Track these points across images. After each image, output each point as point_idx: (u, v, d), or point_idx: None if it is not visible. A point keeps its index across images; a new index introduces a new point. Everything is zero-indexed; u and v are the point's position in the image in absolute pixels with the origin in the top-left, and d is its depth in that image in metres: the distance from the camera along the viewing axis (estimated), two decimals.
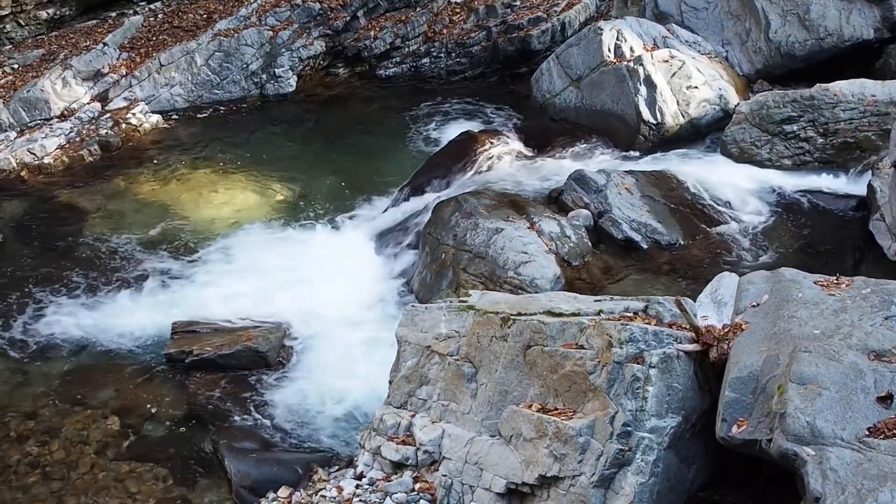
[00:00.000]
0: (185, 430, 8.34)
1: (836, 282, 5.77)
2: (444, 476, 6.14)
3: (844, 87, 10.82)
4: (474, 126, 13.82)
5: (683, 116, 11.93)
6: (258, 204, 12.62)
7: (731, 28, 12.98)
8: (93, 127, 14.40)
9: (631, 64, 12.19)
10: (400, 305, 9.59)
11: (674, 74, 12.08)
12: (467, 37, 16.89)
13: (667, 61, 12.19)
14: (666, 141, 11.92)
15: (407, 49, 16.97)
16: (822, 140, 10.78)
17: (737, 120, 11.40)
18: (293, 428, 8.25)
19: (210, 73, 15.67)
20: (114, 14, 17.12)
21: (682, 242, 9.78)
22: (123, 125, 14.53)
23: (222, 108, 15.58)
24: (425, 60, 16.90)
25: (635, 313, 5.94)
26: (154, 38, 16.19)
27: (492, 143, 12.43)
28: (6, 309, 10.19)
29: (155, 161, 13.84)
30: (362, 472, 6.84)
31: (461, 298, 7.16)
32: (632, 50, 12.51)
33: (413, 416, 6.68)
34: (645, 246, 9.70)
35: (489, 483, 5.83)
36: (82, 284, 10.62)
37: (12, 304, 10.26)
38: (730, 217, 10.25)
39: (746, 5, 12.74)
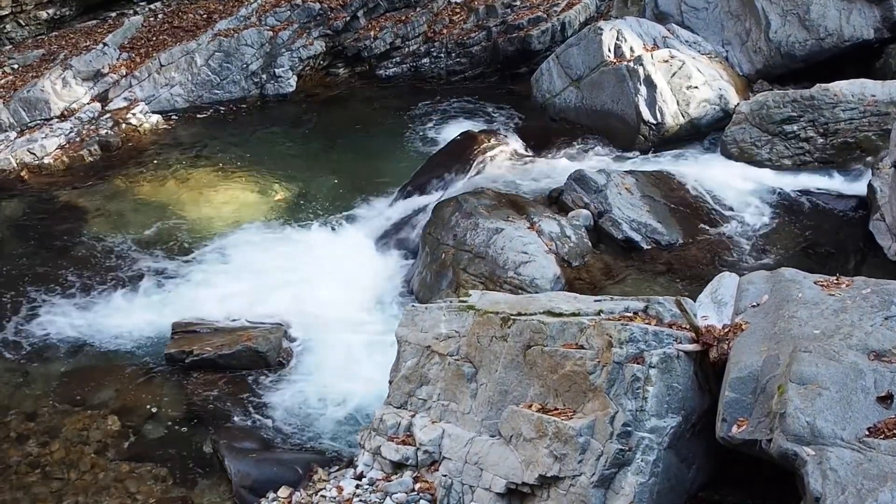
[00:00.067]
0: (185, 430, 8.34)
1: (836, 282, 5.77)
2: (444, 476, 6.14)
3: (844, 87, 10.83)
4: (474, 126, 13.82)
5: (683, 116, 11.93)
6: (258, 204, 12.62)
7: (731, 28, 12.98)
8: (93, 127, 14.40)
9: (631, 64, 12.19)
10: (400, 305, 9.60)
11: (674, 74, 12.08)
12: (467, 37, 16.89)
13: (667, 61, 12.19)
14: (666, 141, 11.93)
15: (407, 49, 16.97)
16: (822, 140, 10.78)
17: (737, 120, 11.41)
18: (293, 428, 8.25)
19: (210, 73, 15.67)
20: (114, 14, 17.12)
21: (682, 242, 9.78)
22: (123, 125, 14.54)
23: (222, 108, 15.58)
24: (425, 60, 16.90)
25: (635, 313, 5.94)
26: (154, 38, 16.19)
27: (492, 143, 12.44)
28: (6, 309, 10.18)
29: (155, 161, 13.84)
30: (362, 472, 6.84)
31: (461, 298, 7.16)
32: (632, 50, 12.51)
33: (413, 416, 6.68)
34: (645, 246, 9.70)
35: (489, 483, 5.83)
36: (82, 284, 10.62)
37: (12, 305, 10.26)
38: (730, 217, 10.25)
39: (746, 5, 12.75)
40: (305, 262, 10.81)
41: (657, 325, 5.75)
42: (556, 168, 11.62)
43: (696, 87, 12.04)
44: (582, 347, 5.69)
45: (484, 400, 6.20)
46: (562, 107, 13.21)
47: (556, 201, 10.57)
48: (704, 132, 12.03)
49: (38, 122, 14.38)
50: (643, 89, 11.97)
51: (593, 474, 5.28)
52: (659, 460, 5.23)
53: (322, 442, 8.04)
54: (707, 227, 10.05)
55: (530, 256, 9.24)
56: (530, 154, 12.44)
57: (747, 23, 12.76)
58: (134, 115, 14.76)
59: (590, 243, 9.75)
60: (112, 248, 11.43)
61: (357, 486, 6.70)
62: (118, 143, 14.19)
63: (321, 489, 6.96)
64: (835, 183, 10.52)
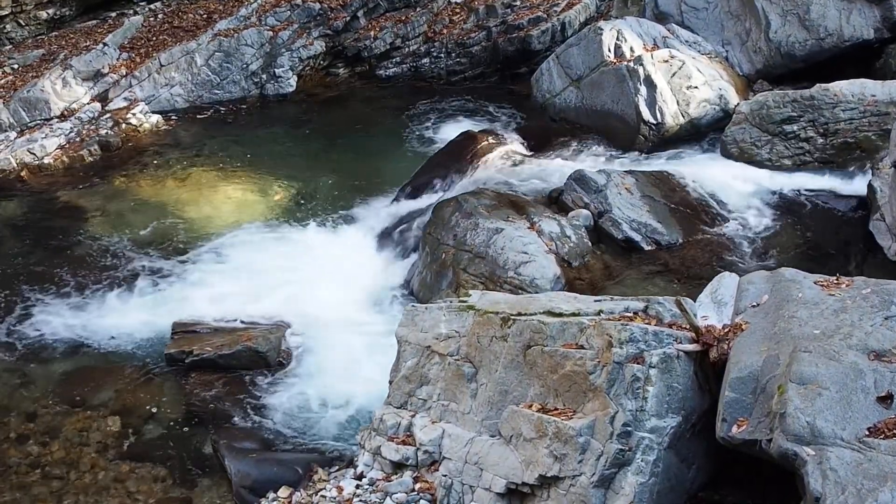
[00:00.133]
0: (185, 430, 8.34)
1: (836, 282, 5.77)
2: (445, 476, 6.14)
3: (844, 87, 10.82)
4: (474, 126, 13.82)
5: (683, 116, 11.93)
6: (258, 204, 12.62)
7: (731, 28, 12.98)
8: (93, 127, 14.41)
9: (631, 64, 12.19)
10: (400, 305, 9.60)
11: (674, 74, 12.08)
12: (467, 37, 16.90)
13: (667, 61, 12.19)
14: (666, 141, 11.93)
15: (407, 49, 16.98)
16: (822, 140, 10.78)
17: (737, 120, 11.41)
18: (293, 428, 8.25)
19: (210, 74, 15.68)
20: (114, 14, 17.12)
21: (682, 242, 9.78)
22: (123, 125, 14.54)
23: (222, 108, 15.58)
24: (425, 60, 16.90)
25: (635, 313, 5.94)
26: (154, 38, 16.19)
27: (492, 143, 12.44)
28: (5, 309, 10.18)
29: (155, 161, 13.85)
30: (362, 472, 6.84)
31: (461, 298, 7.16)
32: (632, 50, 12.51)
33: (413, 416, 6.68)
34: (645, 246, 9.70)
35: (489, 483, 5.83)
36: (82, 285, 10.62)
37: (12, 305, 10.26)
38: (730, 217, 10.25)
39: (746, 5, 12.75)
40: (305, 261, 10.82)
41: (657, 325, 5.75)
42: (556, 168, 11.62)
43: (696, 87, 12.03)
44: (582, 347, 5.69)
45: (484, 400, 6.20)
46: (562, 107, 13.21)
47: (556, 201, 10.57)
48: (704, 132, 12.02)
49: (38, 122, 14.38)
50: (643, 89, 11.96)
51: (593, 474, 5.28)
52: (659, 460, 5.23)
53: (322, 442, 8.03)
54: (707, 227, 10.05)
55: (530, 256, 9.24)
56: (530, 154, 12.44)
57: (747, 23, 12.76)
58: (134, 115, 14.76)
59: (590, 243, 9.75)
60: (112, 249, 11.43)
61: (357, 486, 6.70)
62: (118, 143, 14.20)
63: (321, 489, 6.95)
64: (835, 183, 10.51)
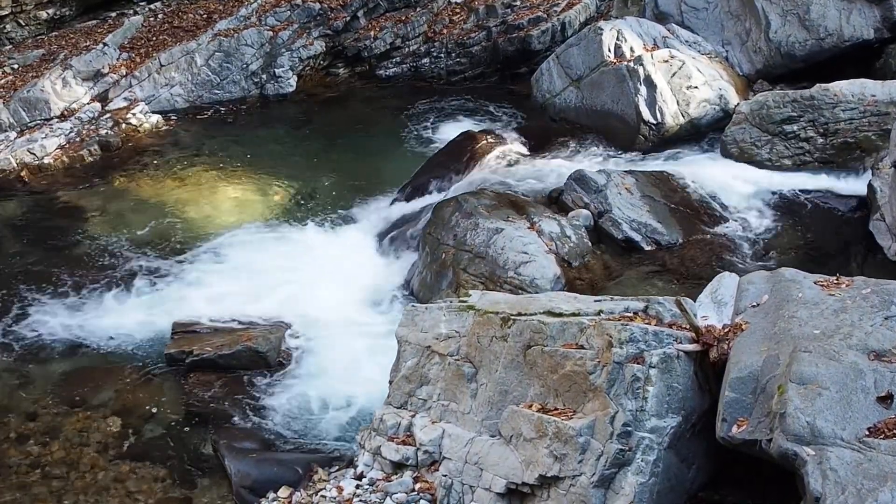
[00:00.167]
0: (186, 430, 8.34)
1: (836, 282, 5.77)
2: (445, 476, 6.14)
3: (844, 87, 10.82)
4: (474, 126, 13.83)
5: (683, 116, 11.93)
6: (258, 204, 12.62)
7: (731, 28, 12.98)
8: (93, 127, 14.40)
9: (631, 64, 12.19)
10: (400, 305, 9.59)
11: (674, 74, 12.08)
12: (467, 37, 16.89)
13: (667, 61, 12.19)
14: (666, 141, 11.92)
15: (407, 49, 16.97)
16: (822, 140, 10.78)
17: (737, 120, 11.40)
18: (293, 428, 8.25)
19: (210, 74, 15.67)
20: (114, 14, 17.12)
21: (682, 242, 9.78)
22: (123, 125, 14.54)
23: (222, 108, 15.58)
24: (425, 60, 16.90)
25: (635, 313, 5.94)
26: (154, 38, 16.19)
27: (492, 143, 12.44)
28: (6, 309, 10.18)
29: (155, 161, 13.85)
30: (362, 472, 6.84)
31: (461, 298, 7.16)
32: (632, 50, 12.51)
33: (413, 416, 6.68)
34: (645, 246, 9.70)
35: (489, 483, 5.83)
36: (82, 285, 10.62)
37: (12, 305, 10.26)
38: (730, 217, 10.25)
39: (746, 5, 12.75)
40: (305, 261, 10.82)
41: (657, 325, 5.75)
42: (556, 168, 11.61)
43: (696, 87, 12.03)
44: (582, 347, 5.69)
45: (484, 400, 6.20)
46: (562, 107, 13.21)
47: (556, 201, 10.57)
48: (704, 132, 12.02)
49: (38, 122, 14.38)
50: (643, 89, 11.96)
51: (593, 474, 5.28)
52: (659, 460, 5.23)
53: (322, 442, 8.03)
54: (707, 228, 10.05)
55: (530, 256, 9.24)
56: (530, 154, 12.43)
57: (747, 23, 12.76)
58: (134, 115, 14.76)
59: (590, 243, 9.75)
60: (111, 249, 11.43)
61: (357, 487, 6.70)
62: (118, 143, 14.20)
63: (321, 489, 6.95)
64: (835, 183, 10.52)
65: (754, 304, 5.80)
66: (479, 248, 9.54)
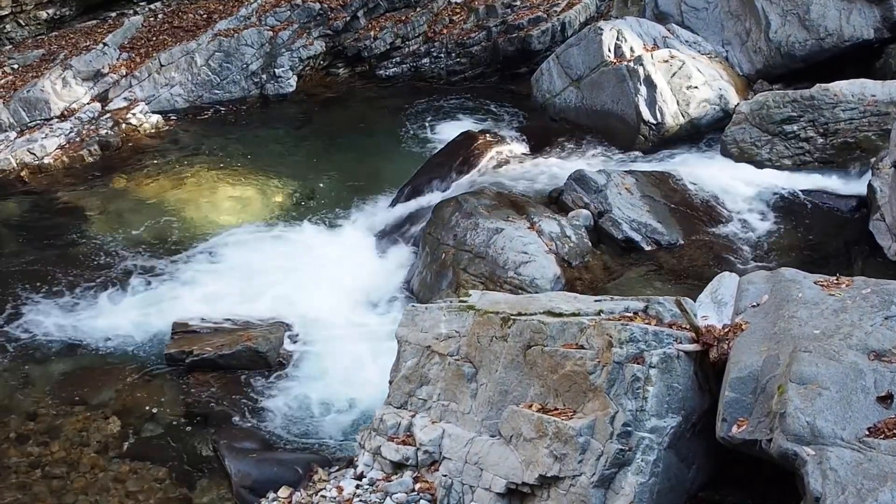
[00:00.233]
0: (186, 430, 8.34)
1: (836, 282, 5.77)
2: (445, 476, 6.14)
3: (844, 87, 10.83)
4: (474, 126, 13.82)
5: (683, 116, 11.93)
6: (258, 204, 12.62)
7: (731, 28, 12.98)
8: (93, 127, 14.40)
9: (631, 64, 12.19)
10: (400, 305, 9.59)
11: (674, 74, 12.08)
12: (467, 37, 16.89)
13: (667, 61, 12.20)
14: (666, 141, 11.93)
15: (407, 49, 16.97)
16: (822, 140, 10.79)
17: (737, 120, 11.41)
18: (293, 428, 8.25)
19: (210, 73, 15.67)
20: (114, 14, 17.12)
21: (682, 242, 9.78)
22: (123, 125, 14.54)
23: (222, 108, 15.57)
24: (425, 60, 16.90)
25: (635, 313, 5.94)
26: (154, 38, 16.19)
27: (492, 143, 12.44)
28: (6, 309, 10.18)
29: (155, 161, 13.84)
30: (362, 472, 6.84)
31: (461, 298, 7.16)
32: (632, 50, 12.52)
33: (413, 416, 6.68)
34: (645, 246, 9.70)
35: (489, 483, 5.83)
36: (82, 285, 10.62)
37: (12, 305, 10.26)
38: (730, 217, 10.25)
39: (746, 5, 12.75)
40: (305, 262, 10.82)
41: (657, 325, 5.75)
42: (556, 168, 11.63)
43: (696, 87, 12.04)
44: (582, 347, 5.69)
45: (484, 400, 6.20)
46: (562, 107, 13.21)
47: (556, 201, 10.57)
48: (704, 132, 12.03)
49: (38, 122, 14.38)
50: (643, 89, 11.97)
51: (593, 474, 5.28)
52: (659, 460, 5.23)
53: (322, 442, 8.04)
54: (707, 228, 10.05)
55: (530, 256, 9.24)
56: (530, 154, 12.45)
57: (747, 23, 12.77)
58: (134, 115, 14.76)
59: (590, 243, 9.75)
60: (111, 249, 11.43)
61: (357, 486, 6.69)
62: (118, 143, 14.20)
63: (321, 489, 6.95)
64: (835, 183, 10.52)
65: (754, 304, 5.80)
66: (479, 248, 9.54)
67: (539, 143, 12.66)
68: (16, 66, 15.37)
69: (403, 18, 17.01)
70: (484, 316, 6.40)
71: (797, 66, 12.34)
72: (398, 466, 6.60)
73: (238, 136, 14.69)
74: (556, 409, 5.70)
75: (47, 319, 9.98)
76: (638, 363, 5.37)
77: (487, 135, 12.75)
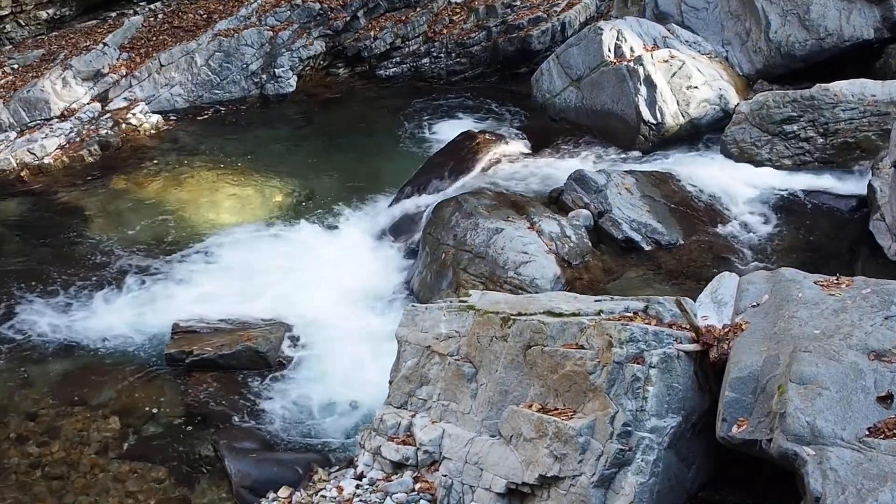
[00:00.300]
0: (185, 430, 8.34)
1: (836, 282, 5.77)
2: (445, 476, 6.14)
3: (844, 87, 10.82)
4: (474, 126, 13.82)
5: (683, 116, 11.93)
6: (258, 204, 12.62)
7: (731, 28, 12.98)
8: (93, 127, 14.40)
9: (631, 64, 12.19)
10: (400, 305, 9.59)
11: (674, 74, 12.08)
12: (467, 37, 16.90)
13: (667, 61, 12.19)
14: (666, 141, 11.92)
15: (407, 49, 16.98)
16: (822, 140, 10.78)
17: (737, 120, 11.41)
18: (293, 428, 8.25)
19: (210, 74, 15.68)
20: (114, 14, 17.12)
21: (682, 242, 9.78)
22: (123, 125, 14.54)
23: (222, 108, 15.58)
24: (425, 60, 16.90)
25: (635, 313, 5.94)
26: (154, 38, 16.19)
27: (492, 143, 12.44)
28: (6, 309, 10.18)
29: (155, 161, 13.84)
30: (362, 472, 6.84)
31: (461, 298, 7.16)
32: (632, 50, 12.51)
33: (413, 416, 6.68)
34: (645, 246, 9.70)
35: (489, 483, 5.83)
36: (82, 285, 10.62)
37: (12, 305, 10.26)
38: (730, 217, 10.25)
39: (746, 5, 12.75)
40: (305, 261, 10.81)
41: (657, 325, 5.75)
42: (556, 168, 11.63)
43: (696, 87, 12.04)
44: (582, 347, 5.69)
45: (484, 400, 6.20)
46: (562, 107, 13.21)
47: (556, 201, 10.57)
48: (704, 132, 12.02)
49: (38, 122, 14.38)
50: (643, 89, 11.96)
51: (593, 474, 5.28)
52: (659, 460, 5.23)
53: (322, 442, 8.04)
54: (707, 228, 10.05)
55: (530, 256, 9.24)
56: (530, 154, 12.44)
57: (747, 23, 12.76)
58: (134, 115, 14.76)
59: (590, 243, 9.75)
60: (110, 249, 11.43)
61: (357, 486, 6.70)
62: (118, 143, 14.20)
63: (321, 489, 6.95)
64: (835, 183, 10.52)
65: (754, 303, 5.80)
66: (479, 248, 9.54)
67: (539, 143, 12.66)
68: (16, 66, 15.37)
69: (403, 18, 17.01)
70: (484, 316, 6.40)
71: (797, 66, 12.33)
72: (398, 466, 6.60)
73: (238, 136, 14.68)
74: (556, 409, 5.70)
75: (48, 320, 9.98)
76: (638, 363, 5.37)
77: (487, 135, 12.74)
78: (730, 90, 12.19)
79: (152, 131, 14.71)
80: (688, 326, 5.66)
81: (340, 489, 6.76)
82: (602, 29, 12.84)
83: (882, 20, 11.94)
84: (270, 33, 16.01)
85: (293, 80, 16.11)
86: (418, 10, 17.18)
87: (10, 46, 16.10)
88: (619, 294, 7.44)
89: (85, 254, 11.35)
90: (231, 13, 16.38)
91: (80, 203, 12.67)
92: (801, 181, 10.66)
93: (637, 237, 9.76)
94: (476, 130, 13.06)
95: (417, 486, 6.37)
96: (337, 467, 7.38)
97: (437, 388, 6.61)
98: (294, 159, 13.87)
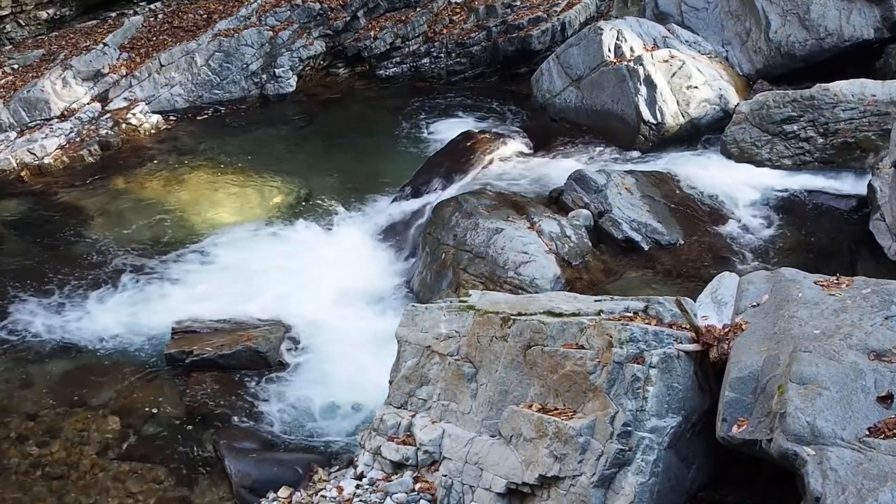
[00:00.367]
0: (185, 430, 8.34)
1: (836, 282, 5.77)
2: (445, 476, 6.14)
3: (844, 87, 10.82)
4: (474, 126, 13.82)
5: (683, 116, 11.93)
6: (258, 204, 12.62)
7: (731, 28, 12.98)
8: (93, 127, 14.41)
9: (631, 64, 12.19)
10: (400, 305, 9.59)
11: (674, 74, 12.08)
12: (467, 37, 16.90)
13: (667, 61, 12.19)
14: (666, 141, 11.93)
15: (407, 49, 16.98)
16: (822, 140, 10.78)
17: (737, 120, 11.40)
18: (293, 428, 8.25)
19: (210, 74, 15.68)
20: (114, 14, 17.13)
21: (682, 242, 9.78)
22: (123, 125, 14.54)
23: (222, 108, 15.58)
24: (425, 60, 16.91)
25: (635, 313, 5.94)
26: (154, 39, 16.20)
27: (492, 143, 12.44)
28: (6, 309, 10.18)
29: (155, 161, 13.85)
30: (362, 472, 6.84)
31: (461, 298, 7.16)
32: (632, 50, 12.52)
33: (413, 416, 6.68)
34: (645, 246, 9.70)
35: (489, 483, 5.83)
36: (83, 285, 10.62)
37: (12, 305, 10.26)
38: (730, 217, 10.25)
39: (746, 5, 12.75)
40: (305, 261, 10.81)
41: (657, 325, 5.75)
42: (556, 168, 11.62)
43: (696, 87, 12.04)
44: (582, 347, 5.69)
45: (484, 400, 6.20)
46: (562, 107, 13.21)
47: (556, 201, 10.57)
48: (704, 132, 12.03)
49: (38, 122, 14.38)
50: (643, 89, 11.97)
51: (593, 474, 5.28)
52: (659, 460, 5.23)
53: (322, 442, 8.04)
54: (707, 227, 10.05)
55: (530, 256, 9.24)
56: (530, 154, 12.44)
57: (747, 23, 12.77)
58: (134, 115, 14.76)
59: (590, 243, 9.75)
60: (110, 249, 11.43)
61: (357, 486, 6.70)
62: (118, 143, 14.20)
63: (321, 489, 6.95)
64: (835, 183, 10.52)
65: (754, 303, 5.80)
66: (479, 247, 9.54)
67: (539, 143, 12.66)
68: (16, 66, 15.37)
69: (403, 18, 17.01)
70: (484, 316, 6.40)
71: (797, 66, 12.34)
72: (398, 466, 6.60)
73: (238, 136, 14.69)
74: (556, 409, 5.70)
75: (48, 320, 9.98)
76: (638, 363, 5.37)
77: (487, 135, 12.74)
78: (730, 90, 12.19)
79: (152, 131, 14.71)
80: (688, 326, 5.66)
81: (340, 489, 6.76)
82: (602, 29, 12.84)
83: (882, 20, 11.94)
84: (270, 33, 16.01)
85: (293, 80, 16.11)
86: (418, 10, 17.18)
87: (10, 46, 16.11)
88: (619, 294, 7.44)
89: (85, 254, 11.35)
90: (231, 13, 16.39)
91: (80, 203, 12.67)
92: (801, 181, 10.66)
93: (637, 237, 9.76)
94: (476, 130, 13.07)
95: (417, 486, 6.37)
96: (337, 467, 7.38)
97: (437, 388, 6.61)
98: (294, 159, 13.87)
